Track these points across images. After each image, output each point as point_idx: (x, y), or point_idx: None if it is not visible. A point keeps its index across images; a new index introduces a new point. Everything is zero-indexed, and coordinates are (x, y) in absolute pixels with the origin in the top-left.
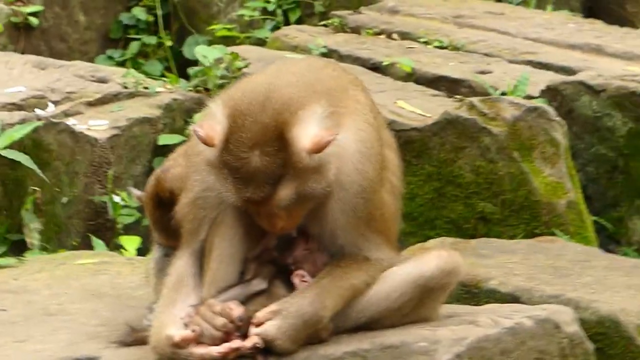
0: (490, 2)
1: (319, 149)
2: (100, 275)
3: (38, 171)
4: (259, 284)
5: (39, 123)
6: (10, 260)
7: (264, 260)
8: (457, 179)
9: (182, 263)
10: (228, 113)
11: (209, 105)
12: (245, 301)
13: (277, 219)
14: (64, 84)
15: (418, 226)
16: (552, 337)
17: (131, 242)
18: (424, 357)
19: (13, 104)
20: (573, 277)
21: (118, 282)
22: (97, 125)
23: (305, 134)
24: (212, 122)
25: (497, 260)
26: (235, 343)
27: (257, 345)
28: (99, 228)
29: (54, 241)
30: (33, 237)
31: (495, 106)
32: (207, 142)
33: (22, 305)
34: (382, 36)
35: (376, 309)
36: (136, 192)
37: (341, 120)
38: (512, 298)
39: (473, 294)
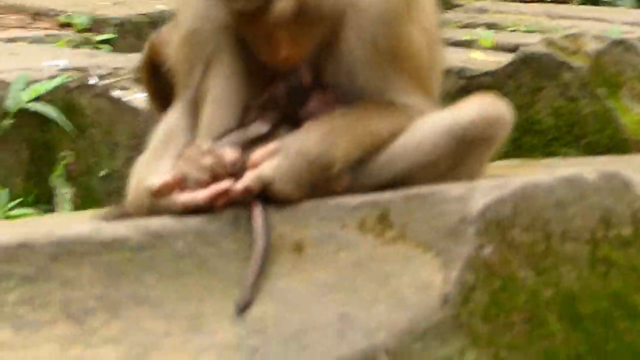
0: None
1: None
2: None
3: (69, 125)
4: (259, 128)
5: (70, 78)
6: None
7: (270, 107)
8: (534, 126)
9: (172, 116)
10: None
11: None
12: (243, 148)
13: (279, 43)
14: (110, 60)
15: None
16: (621, 196)
17: None
18: (457, 205)
19: (50, 77)
20: None
21: None
22: (143, 98)
23: None
24: None
25: None
26: (224, 184)
27: (251, 188)
28: None
29: None
30: (64, 207)
31: (576, 40)
32: None
33: None
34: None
35: (404, 163)
36: None
37: None
38: None
39: None
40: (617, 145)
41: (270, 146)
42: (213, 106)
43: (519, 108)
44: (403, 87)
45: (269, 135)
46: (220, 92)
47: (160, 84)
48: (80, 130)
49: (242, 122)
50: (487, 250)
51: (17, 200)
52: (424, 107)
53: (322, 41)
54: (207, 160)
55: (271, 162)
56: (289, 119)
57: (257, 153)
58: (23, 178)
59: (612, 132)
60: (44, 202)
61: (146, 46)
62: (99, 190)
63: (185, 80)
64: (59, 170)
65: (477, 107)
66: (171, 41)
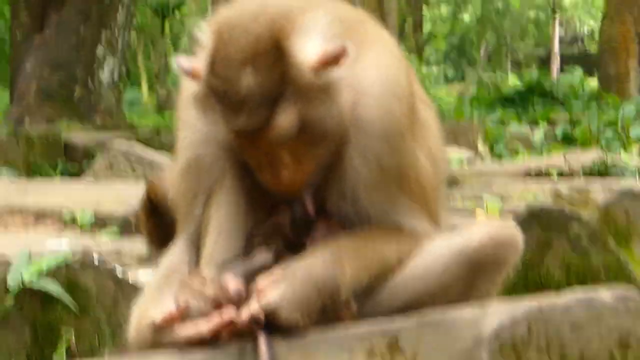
0: None
1: (325, 63)
2: None
3: (72, 303)
4: (263, 257)
5: (73, 256)
6: None
7: (273, 236)
8: (545, 282)
9: (174, 251)
10: (214, 29)
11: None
12: (247, 278)
13: (281, 165)
14: (112, 242)
15: None
16: (639, 317)
17: None
18: (469, 328)
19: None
20: None
21: None
22: (146, 276)
23: (308, 43)
24: (198, 50)
25: None
26: (228, 315)
27: (257, 316)
28: None
29: None
30: None
31: (584, 192)
32: (192, 75)
33: None
34: None
35: (413, 290)
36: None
37: (358, 49)
38: None
39: None
40: None
41: (276, 272)
42: (216, 235)
43: (528, 264)
44: (409, 210)
45: (273, 264)
46: (222, 220)
47: (158, 223)
48: (83, 309)
49: (246, 252)
50: None
51: None
52: (431, 230)
53: (325, 163)
54: (211, 290)
55: (277, 289)
56: (293, 248)
57: (262, 280)
58: (25, 359)
59: (624, 284)
60: None
61: (145, 187)
62: None
63: (187, 212)
64: (61, 348)
65: (487, 229)
66: (170, 175)
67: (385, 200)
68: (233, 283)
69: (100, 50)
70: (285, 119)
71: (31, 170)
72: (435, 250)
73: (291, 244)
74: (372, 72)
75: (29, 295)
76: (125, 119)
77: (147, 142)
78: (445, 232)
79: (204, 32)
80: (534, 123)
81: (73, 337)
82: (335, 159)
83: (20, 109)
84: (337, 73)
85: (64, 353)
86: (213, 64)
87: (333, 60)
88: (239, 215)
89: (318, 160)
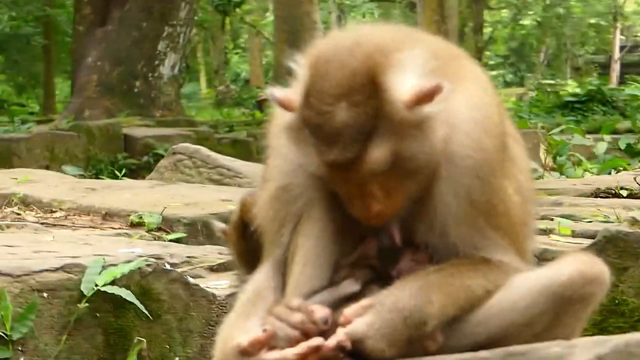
0: None
1: (419, 99)
2: None
3: (142, 307)
4: (350, 286)
5: (145, 262)
6: None
7: (360, 266)
8: (620, 307)
9: (260, 276)
10: (310, 63)
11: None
12: (333, 307)
13: (372, 198)
14: (183, 249)
15: None
16: None
17: None
18: None
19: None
20: None
21: None
22: (217, 285)
23: (403, 79)
24: (292, 82)
25: None
26: (315, 341)
27: (343, 345)
28: None
29: None
30: None
31: None
32: (285, 106)
33: None
34: None
35: (498, 323)
36: (219, 224)
37: (452, 85)
38: None
39: None
40: None
41: (363, 302)
42: (303, 264)
43: None
44: (497, 244)
45: (360, 294)
46: (310, 249)
47: (248, 244)
48: (155, 315)
49: (333, 281)
50: None
51: None
52: (519, 264)
53: (415, 196)
54: (297, 317)
55: (364, 318)
56: (380, 278)
57: (350, 309)
58: None
59: None
60: None
61: (238, 204)
62: None
63: (274, 238)
64: (132, 356)
65: (575, 264)
66: (258, 200)
67: (474, 234)
68: (320, 311)
69: (161, 45)
70: (378, 153)
71: (91, 165)
72: (523, 284)
73: (378, 275)
74: (465, 109)
75: (102, 300)
76: (184, 114)
77: (206, 137)
78: (533, 266)
79: (300, 64)
80: (593, 132)
81: (145, 343)
82: (425, 192)
83: (80, 101)
84: (431, 109)
85: (136, 358)
86: (308, 97)
87: (427, 97)
88: (326, 245)
89: (409, 193)
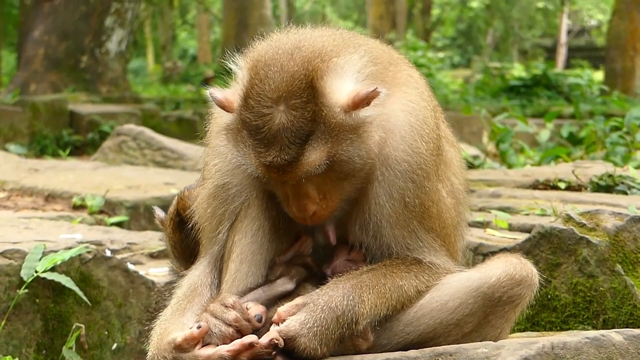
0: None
1: (356, 104)
2: None
3: (81, 294)
4: (284, 284)
5: (86, 249)
6: None
7: (295, 264)
8: (552, 302)
9: (197, 272)
10: (250, 65)
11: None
12: (268, 305)
13: (308, 199)
14: (124, 235)
15: None
16: None
17: None
18: None
19: (66, 248)
20: None
21: None
22: (157, 273)
23: (341, 84)
24: (231, 83)
25: None
26: (249, 338)
27: (276, 342)
28: None
29: None
30: None
31: (594, 217)
32: (224, 107)
33: None
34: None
35: (429, 323)
36: (160, 212)
37: (389, 90)
38: None
39: None
40: (636, 322)
41: (297, 300)
42: (238, 261)
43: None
44: (429, 245)
45: (294, 292)
46: (246, 247)
47: (183, 236)
48: (94, 302)
49: (268, 278)
50: None
51: None
52: (450, 265)
53: (350, 197)
54: (232, 315)
55: (297, 316)
56: (315, 276)
57: (284, 307)
58: (35, 349)
59: (631, 309)
60: None
61: (175, 198)
62: None
63: (211, 235)
64: (71, 341)
65: (504, 267)
66: (196, 197)
67: (406, 235)
68: (254, 308)
69: (109, 20)
70: (315, 156)
71: (36, 140)
72: (453, 285)
73: (313, 274)
74: (401, 113)
75: (41, 286)
76: (130, 90)
77: (152, 115)
78: (463, 267)
79: (240, 66)
80: (538, 116)
81: (83, 329)
82: (361, 193)
83: (26, 75)
84: (367, 113)
85: (74, 344)
86: (247, 99)
87: (364, 101)
88: (262, 243)
89: (344, 195)
